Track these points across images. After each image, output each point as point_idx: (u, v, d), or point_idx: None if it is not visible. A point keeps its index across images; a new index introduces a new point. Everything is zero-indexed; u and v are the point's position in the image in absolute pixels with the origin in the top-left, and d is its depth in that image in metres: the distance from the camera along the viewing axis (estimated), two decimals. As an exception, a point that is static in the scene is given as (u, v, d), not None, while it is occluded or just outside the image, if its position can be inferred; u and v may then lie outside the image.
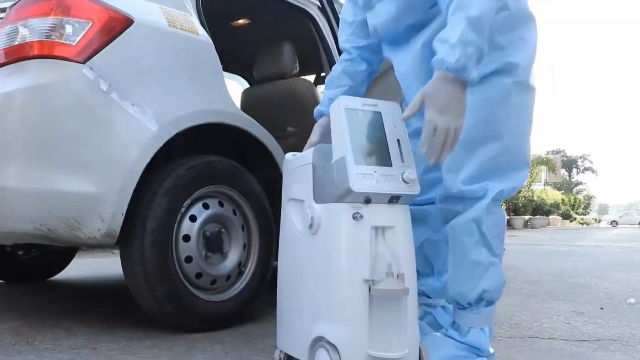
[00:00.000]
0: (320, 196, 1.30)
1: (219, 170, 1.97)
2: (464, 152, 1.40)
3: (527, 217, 20.35)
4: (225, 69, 4.24)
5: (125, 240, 1.75)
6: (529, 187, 21.23)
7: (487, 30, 1.22)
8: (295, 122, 3.00)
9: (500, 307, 2.52)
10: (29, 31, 1.61)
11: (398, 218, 1.26)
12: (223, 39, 3.09)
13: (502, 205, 1.59)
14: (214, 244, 1.96)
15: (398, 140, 1.31)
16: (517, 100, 1.44)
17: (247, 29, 3.47)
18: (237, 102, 2.98)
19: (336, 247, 1.22)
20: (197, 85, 1.93)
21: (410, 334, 1.23)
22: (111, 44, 1.68)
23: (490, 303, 1.49)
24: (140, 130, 1.71)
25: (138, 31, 1.76)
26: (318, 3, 2.84)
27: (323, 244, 1.26)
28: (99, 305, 2.27)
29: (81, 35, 1.64)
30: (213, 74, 2.01)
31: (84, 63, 1.62)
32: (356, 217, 1.20)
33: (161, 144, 1.75)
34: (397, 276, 1.18)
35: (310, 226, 1.29)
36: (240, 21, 3.35)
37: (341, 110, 1.27)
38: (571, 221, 29.31)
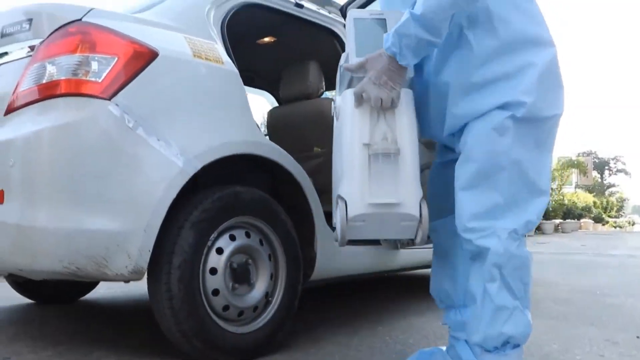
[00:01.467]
0: (339, 90, 1.64)
1: (246, 201, 1.95)
2: (469, 189, 1.48)
3: (557, 222, 19.88)
4: (251, 85, 4.29)
5: (152, 275, 1.75)
6: (559, 191, 20.74)
7: (438, 24, 1.40)
8: (321, 142, 2.97)
9: (534, 333, 2.45)
10: (57, 69, 1.62)
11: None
12: (249, 56, 3.08)
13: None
14: (241, 275, 1.94)
15: None
16: (524, 133, 1.46)
17: (273, 46, 3.46)
18: (263, 117, 2.95)
19: (345, 122, 1.51)
20: (223, 115, 1.92)
21: (405, 188, 1.47)
22: (136, 79, 1.68)
23: (517, 346, 1.47)
24: (166, 165, 1.69)
25: (163, 64, 1.75)
26: (343, 21, 2.80)
27: (340, 124, 1.56)
28: (128, 335, 2.28)
29: (107, 71, 1.63)
30: (239, 103, 1.99)
31: (109, 100, 1.62)
32: (360, 96, 1.48)
33: (187, 179, 1.73)
34: (388, 139, 1.47)
35: (334, 114, 1.63)
36: (266, 39, 3.34)
37: (350, 21, 1.59)
38: (603, 224, 28.49)
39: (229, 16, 2.22)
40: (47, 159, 1.57)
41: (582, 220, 23.68)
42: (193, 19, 2.03)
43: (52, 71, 1.62)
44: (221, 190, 1.88)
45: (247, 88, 2.17)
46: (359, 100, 1.48)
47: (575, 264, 5.93)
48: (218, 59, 1.95)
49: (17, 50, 1.74)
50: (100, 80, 1.62)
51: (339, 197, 1.49)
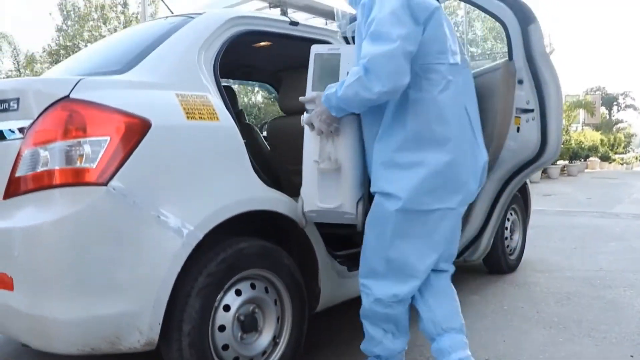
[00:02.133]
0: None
1: (250, 255, 1.96)
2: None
3: (563, 164, 19.81)
4: (249, 79, 4.20)
5: (164, 342, 1.79)
6: (566, 132, 20.50)
7: (352, 101, 1.82)
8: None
9: (532, 347, 2.54)
10: (50, 156, 1.60)
11: (343, 122, 1.96)
12: (246, 53, 2.97)
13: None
14: (248, 325, 1.98)
15: (347, 72, 1.89)
16: (403, 225, 1.91)
17: (270, 48, 3.36)
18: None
19: (305, 141, 2.04)
20: (222, 176, 1.90)
21: (345, 194, 2.00)
22: (131, 157, 1.65)
23: None
24: (168, 241, 1.70)
25: (157, 135, 1.72)
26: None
27: (304, 140, 2.05)
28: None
29: (100, 154, 1.61)
30: (237, 159, 1.97)
31: (106, 185, 1.60)
32: (310, 125, 1.97)
33: (190, 250, 1.74)
34: (331, 159, 1.97)
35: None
36: (262, 43, 3.23)
37: (311, 55, 2.04)
38: (610, 162, 28.38)
39: (221, 53, 2.16)
40: (49, 252, 1.57)
41: (588, 160, 23.59)
42: (183, 70, 1.96)
43: (45, 158, 1.59)
44: (225, 250, 1.89)
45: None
46: (310, 127, 1.98)
47: (578, 234, 5.95)
48: (212, 114, 1.91)
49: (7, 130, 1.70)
50: (94, 166, 1.60)
51: (300, 195, 2.07)
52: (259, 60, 3.54)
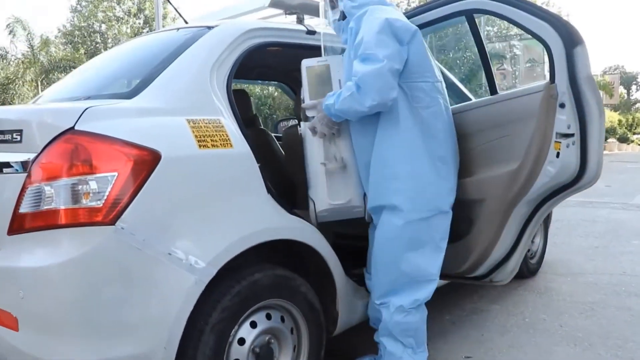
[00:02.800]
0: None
1: (265, 286, 1.88)
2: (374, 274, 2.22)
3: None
4: (265, 79, 4.08)
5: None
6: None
7: (348, 113, 2.04)
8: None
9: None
10: (55, 193, 1.51)
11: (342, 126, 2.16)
12: (260, 57, 2.86)
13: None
14: (264, 357, 1.91)
15: (339, 80, 2.19)
16: (412, 236, 2.09)
17: (284, 51, 3.23)
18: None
19: (309, 147, 2.19)
20: (236, 207, 1.80)
21: (353, 190, 2.21)
22: (140, 192, 1.56)
23: None
24: (180, 280, 1.62)
25: (167, 167, 1.62)
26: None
27: (306, 148, 2.20)
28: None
29: (107, 191, 1.52)
30: (252, 189, 1.86)
31: (114, 224, 1.52)
32: (313, 130, 2.15)
33: (203, 287, 1.66)
34: (337, 159, 2.16)
35: (302, 137, 2.22)
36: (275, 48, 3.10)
37: (303, 68, 2.24)
38: (628, 144, 27.88)
39: (235, 69, 2.05)
40: (57, 295, 1.50)
41: (606, 142, 23.18)
42: (195, 92, 1.86)
43: (50, 195, 1.51)
44: (239, 282, 1.81)
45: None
46: (313, 132, 2.14)
47: (599, 230, 5.80)
48: (226, 140, 1.80)
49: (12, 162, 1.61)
50: (101, 205, 1.51)
51: (310, 198, 2.18)
52: (274, 60, 3.41)
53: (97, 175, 1.52)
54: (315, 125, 2.12)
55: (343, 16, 2.19)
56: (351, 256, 2.39)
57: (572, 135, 2.00)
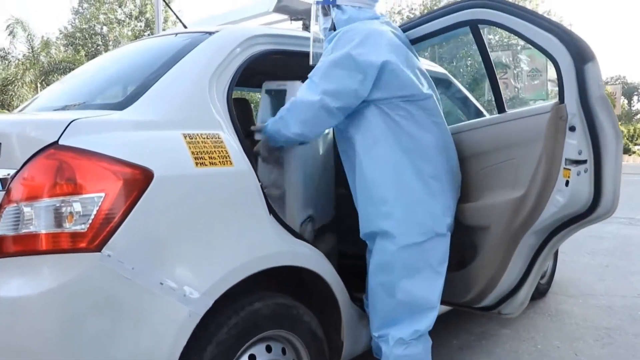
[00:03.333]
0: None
1: (265, 317, 1.72)
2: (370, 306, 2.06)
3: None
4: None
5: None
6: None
7: (277, 135, 2.01)
8: (346, 184, 2.68)
9: None
10: (35, 216, 1.35)
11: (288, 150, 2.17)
12: (262, 63, 2.73)
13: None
14: (263, 393, 1.75)
15: None
16: (406, 262, 1.95)
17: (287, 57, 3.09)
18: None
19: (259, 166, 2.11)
20: (235, 231, 1.64)
21: (291, 216, 2.20)
22: (130, 215, 1.40)
23: None
24: (172, 312, 1.46)
25: (159, 187, 1.46)
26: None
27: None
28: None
29: (93, 214, 1.36)
30: (253, 211, 1.71)
31: (100, 251, 1.36)
32: (257, 153, 2.10)
33: (198, 320, 1.50)
34: (276, 186, 2.19)
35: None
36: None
37: (262, 90, 2.31)
38: (630, 155, 27.78)
39: (236, 78, 1.90)
40: (35, 329, 1.33)
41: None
42: (192, 104, 1.71)
43: (29, 217, 1.35)
44: (237, 312, 1.65)
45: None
46: (256, 155, 2.07)
47: (607, 247, 5.65)
48: (225, 157, 1.65)
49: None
50: (86, 229, 1.35)
51: None
52: (277, 67, 3.26)
53: (82, 196, 1.37)
54: (258, 149, 2.08)
55: (334, 26, 2.06)
56: (355, 277, 2.24)
57: (584, 162, 1.81)
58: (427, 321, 1.98)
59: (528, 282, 2.09)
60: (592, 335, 3.10)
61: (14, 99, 18.46)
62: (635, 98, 38.93)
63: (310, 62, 2.11)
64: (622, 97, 35.57)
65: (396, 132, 1.94)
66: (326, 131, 2.41)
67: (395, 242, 1.92)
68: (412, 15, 21.08)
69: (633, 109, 38.17)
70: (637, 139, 31.44)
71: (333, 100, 1.87)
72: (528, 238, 1.98)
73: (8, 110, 17.20)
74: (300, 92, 1.94)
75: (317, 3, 2.11)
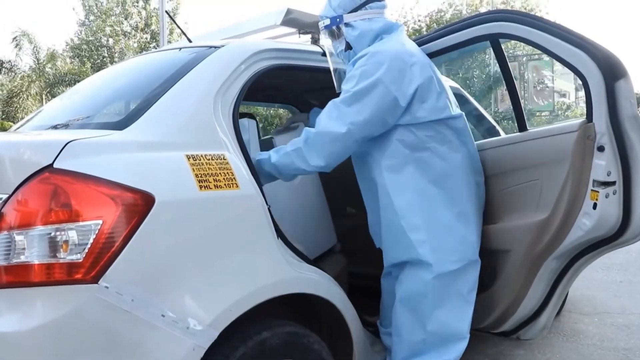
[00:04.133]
0: None
1: (274, 347, 1.62)
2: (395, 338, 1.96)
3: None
4: (274, 101, 3.86)
5: None
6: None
7: (286, 169, 1.86)
8: (354, 202, 2.59)
9: None
10: (28, 245, 1.27)
11: None
12: (268, 78, 2.68)
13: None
14: None
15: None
16: (439, 292, 1.85)
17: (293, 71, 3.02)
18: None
19: None
20: (242, 259, 1.55)
21: None
22: (130, 243, 1.31)
23: None
24: (175, 346, 1.36)
25: (161, 212, 1.37)
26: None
27: None
28: None
29: (90, 243, 1.28)
30: (260, 236, 1.62)
31: (96, 282, 1.27)
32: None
33: (202, 354, 1.41)
34: None
35: None
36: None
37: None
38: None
39: (243, 95, 1.82)
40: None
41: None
42: (196, 123, 1.62)
43: (22, 247, 1.27)
44: (244, 342, 1.55)
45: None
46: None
47: (621, 261, 5.51)
48: (231, 180, 1.56)
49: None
50: (81, 259, 1.27)
51: None
52: (284, 82, 3.19)
53: (79, 223, 1.28)
54: None
55: (349, 46, 1.96)
56: (365, 298, 2.15)
57: (613, 183, 1.71)
58: (457, 352, 1.91)
59: (550, 306, 1.99)
60: (611, 357, 2.97)
61: (19, 111, 18.51)
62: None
63: (337, 90, 2.01)
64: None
65: (424, 155, 1.84)
66: None
67: (432, 271, 1.82)
68: (417, 27, 21.08)
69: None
70: None
71: (361, 131, 1.78)
72: (551, 262, 1.88)
73: (13, 122, 17.24)
74: (324, 122, 1.79)
75: (326, 28, 1.98)
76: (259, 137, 2.88)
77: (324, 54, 2.17)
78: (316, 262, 2.27)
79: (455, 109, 1.93)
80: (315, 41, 2.30)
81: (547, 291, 1.96)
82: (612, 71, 1.68)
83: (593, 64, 1.69)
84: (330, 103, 1.82)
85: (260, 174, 1.79)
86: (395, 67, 1.77)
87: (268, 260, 1.62)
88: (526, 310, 1.99)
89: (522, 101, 2.26)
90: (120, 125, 1.55)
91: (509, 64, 2.23)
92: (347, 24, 1.93)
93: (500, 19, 1.91)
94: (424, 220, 1.84)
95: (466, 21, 2.02)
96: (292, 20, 2.31)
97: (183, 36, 2.36)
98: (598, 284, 4.62)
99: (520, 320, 2.04)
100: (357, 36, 1.91)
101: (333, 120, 1.77)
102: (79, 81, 18.51)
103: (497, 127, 3.01)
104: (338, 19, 1.93)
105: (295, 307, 1.85)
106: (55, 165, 1.31)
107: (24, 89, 19.03)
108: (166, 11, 9.68)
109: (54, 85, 19.49)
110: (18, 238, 1.28)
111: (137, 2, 27.00)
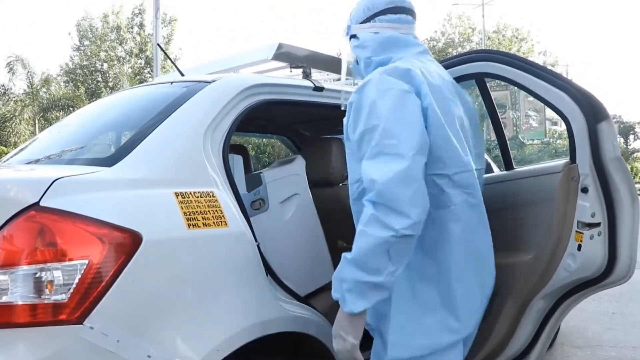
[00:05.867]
0: None
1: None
2: None
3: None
4: (266, 132, 3.87)
5: None
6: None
7: (372, 253, 1.33)
8: (346, 235, 2.58)
9: None
10: (11, 284, 1.25)
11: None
12: (257, 113, 2.68)
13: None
14: None
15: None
16: None
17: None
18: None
19: None
20: (230, 298, 1.53)
21: None
22: (116, 283, 1.30)
23: None
24: (159, 388, 1.34)
25: (149, 252, 1.36)
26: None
27: None
28: None
29: (75, 282, 1.26)
30: (249, 275, 1.60)
31: (81, 323, 1.25)
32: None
33: (188, 396, 1.38)
34: None
35: None
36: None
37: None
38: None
39: (233, 131, 1.82)
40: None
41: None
42: (185, 160, 1.62)
43: (5, 286, 1.25)
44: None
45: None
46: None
47: (613, 292, 5.47)
48: (220, 218, 1.55)
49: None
50: (66, 299, 1.25)
51: None
52: (273, 114, 3.21)
53: (64, 263, 1.26)
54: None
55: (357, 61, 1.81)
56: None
57: (598, 224, 1.71)
58: None
59: (539, 344, 1.97)
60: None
61: (12, 135, 18.46)
62: (631, 137, 39.35)
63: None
64: (619, 136, 35.91)
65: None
66: (289, 194, 2.33)
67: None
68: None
69: (630, 147, 38.48)
70: (634, 177, 31.56)
71: (425, 154, 1.44)
72: (538, 302, 1.87)
73: (5, 146, 17.18)
74: (375, 172, 1.37)
75: (346, 36, 1.82)
76: (249, 171, 2.88)
77: (315, 89, 2.19)
78: (312, 295, 2.26)
79: (467, 158, 1.66)
80: (306, 75, 2.33)
81: (535, 330, 1.94)
82: (594, 113, 1.69)
83: (575, 106, 1.71)
84: (365, 159, 1.44)
85: (344, 302, 1.39)
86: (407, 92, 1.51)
87: (257, 299, 1.60)
88: (514, 349, 1.97)
89: (513, 129, 2.27)
90: (109, 161, 1.55)
91: (500, 92, 2.27)
92: (353, 36, 1.78)
93: (483, 59, 1.94)
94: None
95: (450, 60, 2.05)
96: (284, 54, 2.34)
97: (174, 67, 2.38)
98: (590, 315, 4.60)
99: (509, 358, 2.02)
100: (357, 47, 1.76)
101: (387, 159, 1.38)
102: (72, 106, 18.53)
103: (492, 163, 3.03)
104: (347, 30, 1.80)
105: (285, 343, 1.82)
106: (41, 204, 1.30)
107: (17, 113, 19.02)
108: (158, 44, 9.75)
109: (48, 109, 19.51)
110: (2, 278, 1.26)
111: (132, 28, 27.31)
